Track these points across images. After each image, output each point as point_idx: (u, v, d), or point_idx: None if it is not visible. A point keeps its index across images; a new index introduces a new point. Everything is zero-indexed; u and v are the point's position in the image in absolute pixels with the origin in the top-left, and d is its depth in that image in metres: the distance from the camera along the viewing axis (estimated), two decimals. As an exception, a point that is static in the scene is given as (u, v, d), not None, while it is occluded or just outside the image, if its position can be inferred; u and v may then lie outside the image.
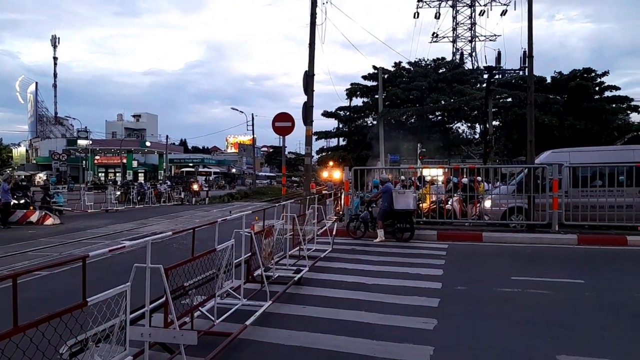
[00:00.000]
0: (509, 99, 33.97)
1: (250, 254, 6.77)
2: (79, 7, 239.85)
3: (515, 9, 49.68)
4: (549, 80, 31.75)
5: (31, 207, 19.23)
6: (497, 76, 36.72)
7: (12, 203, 18.18)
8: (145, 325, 4.00)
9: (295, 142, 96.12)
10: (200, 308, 5.25)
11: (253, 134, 57.36)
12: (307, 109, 16.25)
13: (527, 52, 14.61)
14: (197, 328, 5.05)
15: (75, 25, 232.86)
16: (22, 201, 19.30)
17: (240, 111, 66.50)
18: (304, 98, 16.46)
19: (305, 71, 16.44)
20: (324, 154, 47.29)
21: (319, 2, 16.79)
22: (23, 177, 47.53)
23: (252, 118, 54.36)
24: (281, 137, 15.38)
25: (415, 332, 5.44)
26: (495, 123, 34.57)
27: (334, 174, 20.22)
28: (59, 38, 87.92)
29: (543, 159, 13.70)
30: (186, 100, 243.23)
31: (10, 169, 65.48)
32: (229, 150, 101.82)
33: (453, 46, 61.29)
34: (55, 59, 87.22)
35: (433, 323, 5.73)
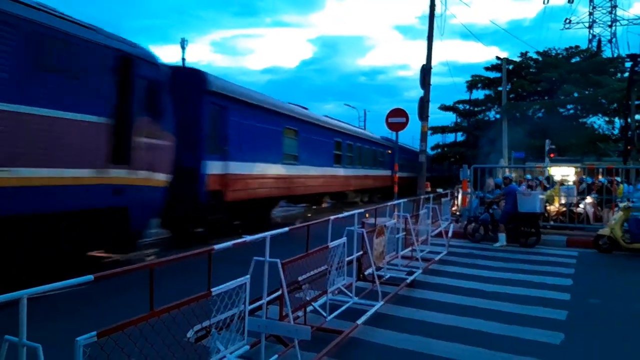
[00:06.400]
0: (657, 90, 29.96)
1: (361, 252, 6.78)
2: (202, 11, 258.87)
3: (667, -14, 43.38)
4: None
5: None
6: (643, 64, 32.57)
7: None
8: (262, 317, 4.19)
9: (408, 136, 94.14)
10: (312, 303, 5.38)
11: (364, 129, 57.70)
12: (423, 103, 15.86)
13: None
14: (310, 323, 5.17)
15: (199, 28, 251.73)
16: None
17: (353, 107, 67.43)
18: (418, 91, 16.11)
19: (423, 65, 16.06)
20: (439, 150, 45.77)
21: (439, -6, 16.28)
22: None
23: (365, 114, 54.81)
24: (394, 132, 15.21)
25: (539, 345, 5.06)
26: (638, 117, 30.75)
27: None
28: (187, 40, 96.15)
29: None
30: (301, 97, 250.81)
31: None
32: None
33: (589, 32, 55.20)
34: (183, 60, 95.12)
35: (559, 338, 5.28)
